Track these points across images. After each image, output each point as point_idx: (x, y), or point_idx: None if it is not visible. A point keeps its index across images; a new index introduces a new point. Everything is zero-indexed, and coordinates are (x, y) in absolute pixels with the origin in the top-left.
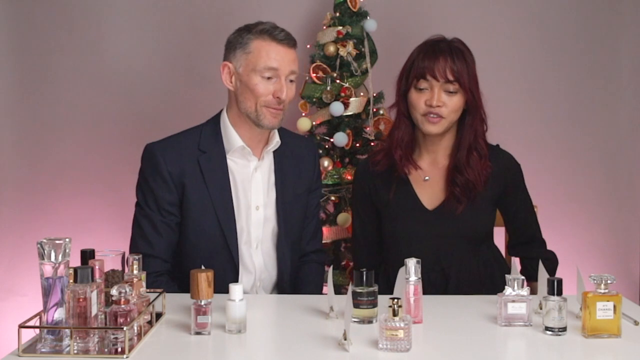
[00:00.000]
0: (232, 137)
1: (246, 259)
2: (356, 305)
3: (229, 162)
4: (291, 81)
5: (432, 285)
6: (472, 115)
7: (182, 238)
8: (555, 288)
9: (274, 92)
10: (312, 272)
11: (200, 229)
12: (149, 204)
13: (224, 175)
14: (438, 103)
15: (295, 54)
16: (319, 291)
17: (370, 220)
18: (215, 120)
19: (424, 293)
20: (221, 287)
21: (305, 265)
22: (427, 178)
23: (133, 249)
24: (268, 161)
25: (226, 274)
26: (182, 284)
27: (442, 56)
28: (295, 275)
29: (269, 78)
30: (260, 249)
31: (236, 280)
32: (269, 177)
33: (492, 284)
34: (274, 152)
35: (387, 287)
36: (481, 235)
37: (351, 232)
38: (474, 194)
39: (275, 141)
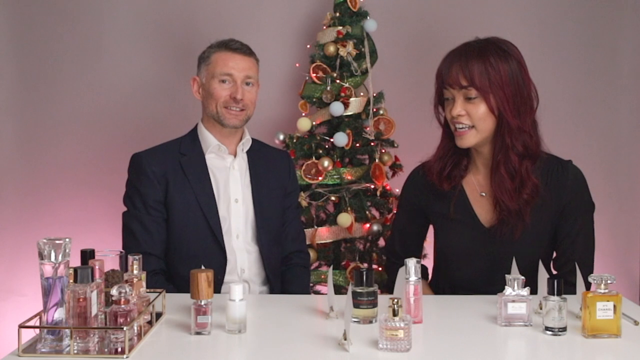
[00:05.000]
0: (208, 138)
1: (227, 247)
2: (356, 305)
3: (207, 160)
4: (248, 84)
5: None
6: (499, 125)
7: (169, 234)
8: (555, 288)
9: (230, 94)
10: (297, 276)
11: (186, 222)
12: (136, 205)
13: (204, 171)
14: (459, 112)
15: (252, 61)
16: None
17: (413, 230)
18: (193, 130)
19: None
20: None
21: (289, 270)
22: (483, 194)
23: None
24: (243, 160)
25: (214, 262)
26: (172, 280)
27: (457, 61)
28: (282, 277)
29: (225, 82)
30: (241, 239)
31: (224, 267)
32: (244, 174)
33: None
34: (248, 153)
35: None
36: (537, 263)
37: (391, 231)
38: (523, 221)
39: (247, 138)
